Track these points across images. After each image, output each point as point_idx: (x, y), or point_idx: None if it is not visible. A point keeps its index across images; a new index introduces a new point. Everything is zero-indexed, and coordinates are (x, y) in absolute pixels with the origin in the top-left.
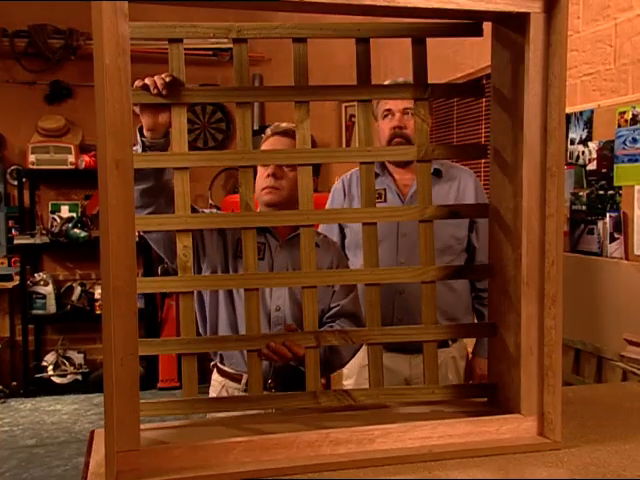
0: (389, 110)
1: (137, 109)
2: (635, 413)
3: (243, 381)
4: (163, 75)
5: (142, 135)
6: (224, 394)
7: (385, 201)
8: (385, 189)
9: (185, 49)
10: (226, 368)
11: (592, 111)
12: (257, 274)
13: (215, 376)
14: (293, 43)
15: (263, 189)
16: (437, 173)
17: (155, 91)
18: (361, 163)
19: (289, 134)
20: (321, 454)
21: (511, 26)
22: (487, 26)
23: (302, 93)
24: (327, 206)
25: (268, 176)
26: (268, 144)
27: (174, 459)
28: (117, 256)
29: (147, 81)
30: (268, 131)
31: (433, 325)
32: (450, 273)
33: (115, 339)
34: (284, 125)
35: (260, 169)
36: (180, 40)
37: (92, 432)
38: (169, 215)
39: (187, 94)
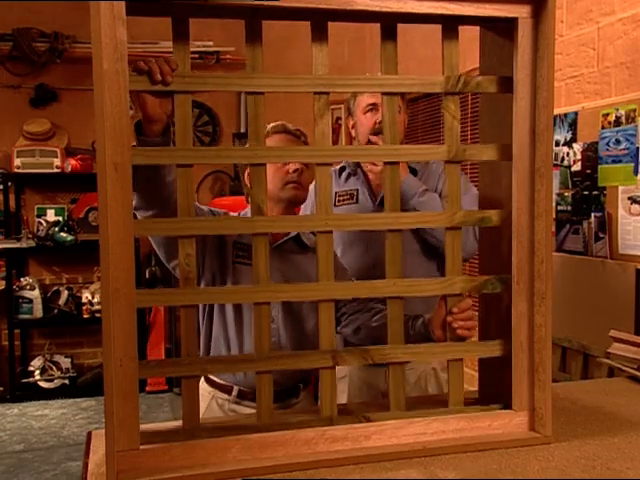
0: (373, 104)
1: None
2: (622, 408)
3: (234, 393)
4: (168, 58)
5: (140, 133)
6: (214, 405)
7: (357, 202)
8: (357, 190)
9: (169, 52)
10: (215, 379)
11: (576, 113)
12: (270, 286)
13: (204, 386)
14: (313, 28)
15: (287, 183)
16: (412, 172)
17: (159, 78)
18: (386, 163)
19: (293, 133)
20: (318, 451)
21: (499, 31)
22: (474, 30)
23: (323, 83)
24: (302, 206)
25: (294, 171)
26: (270, 142)
27: (173, 458)
28: (116, 258)
29: (150, 66)
30: (270, 128)
31: (458, 343)
32: (478, 286)
33: (114, 340)
34: (282, 123)
35: (274, 165)
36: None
37: (89, 433)
38: (171, 219)
39: (194, 81)
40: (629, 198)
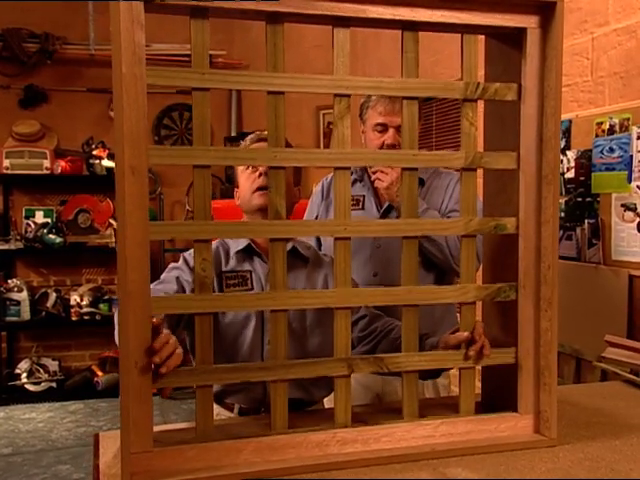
0: (383, 125)
1: None
2: (621, 411)
3: (235, 410)
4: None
5: None
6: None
7: (363, 209)
8: (364, 196)
9: (160, 54)
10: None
11: (570, 121)
12: (288, 292)
13: None
14: (334, 30)
15: (255, 191)
16: (419, 182)
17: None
18: (404, 169)
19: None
20: (329, 453)
21: (506, 40)
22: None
23: (344, 85)
24: (307, 209)
25: (260, 175)
26: None
27: (187, 460)
28: (133, 260)
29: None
30: (249, 140)
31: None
32: (491, 293)
33: (130, 342)
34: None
35: (246, 172)
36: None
37: (97, 435)
38: (187, 222)
39: (213, 78)
40: (622, 205)
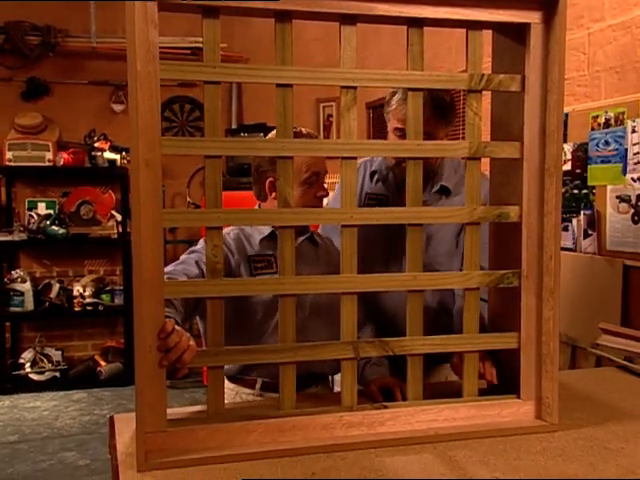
0: (402, 130)
1: None
2: (614, 395)
3: (257, 385)
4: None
5: None
6: (238, 401)
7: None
8: (388, 197)
9: (162, 47)
10: (238, 375)
11: (567, 115)
12: (296, 278)
13: (226, 383)
14: (341, 25)
15: (318, 198)
16: (444, 191)
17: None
18: (408, 159)
19: (305, 136)
20: (335, 435)
21: (511, 35)
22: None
23: (351, 77)
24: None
25: (320, 197)
26: None
27: (199, 440)
28: (147, 250)
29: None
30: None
31: (475, 335)
32: (495, 280)
33: (144, 328)
34: (304, 131)
35: (304, 187)
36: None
37: (112, 417)
38: (199, 210)
39: (224, 72)
40: (617, 197)
